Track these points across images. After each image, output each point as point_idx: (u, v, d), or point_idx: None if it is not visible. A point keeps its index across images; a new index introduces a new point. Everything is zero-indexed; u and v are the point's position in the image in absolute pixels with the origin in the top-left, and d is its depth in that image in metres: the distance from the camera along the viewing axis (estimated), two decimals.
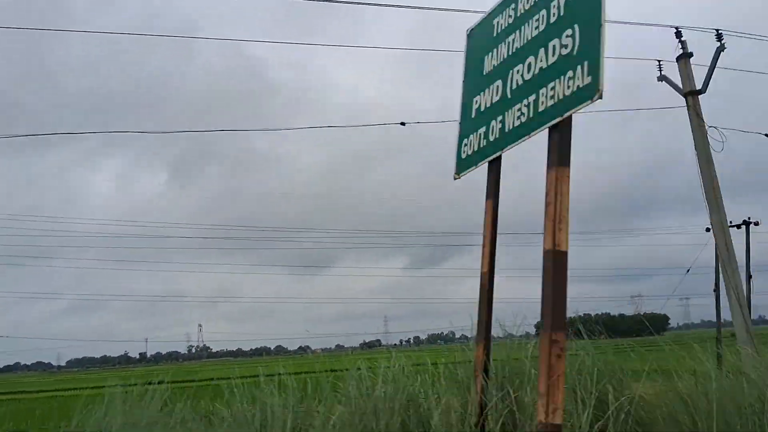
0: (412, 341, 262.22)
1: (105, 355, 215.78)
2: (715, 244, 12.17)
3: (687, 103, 9.77)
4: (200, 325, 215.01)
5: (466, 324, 6.67)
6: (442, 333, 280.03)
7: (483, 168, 5.59)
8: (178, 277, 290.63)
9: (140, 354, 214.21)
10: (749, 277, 31.45)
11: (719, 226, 11.14)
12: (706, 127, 9.13)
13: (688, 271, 31.77)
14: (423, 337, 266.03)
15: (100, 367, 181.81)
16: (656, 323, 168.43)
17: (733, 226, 31.40)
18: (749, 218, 31.37)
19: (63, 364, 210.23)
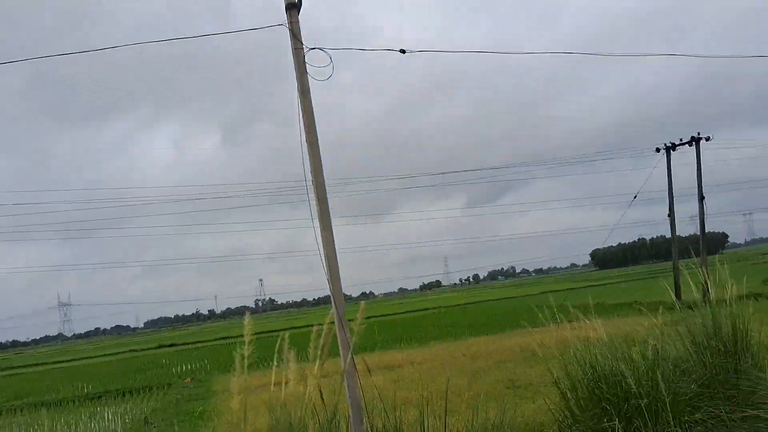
0: (471, 279, 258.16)
1: (177, 315, 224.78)
2: None
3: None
4: (260, 280, 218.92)
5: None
6: (502, 269, 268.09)
7: None
8: (241, 235, 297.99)
9: (209, 311, 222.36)
10: (701, 198, 24.56)
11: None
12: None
13: (635, 197, 25.65)
14: (482, 275, 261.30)
15: (172, 326, 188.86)
16: (715, 242, 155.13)
17: (682, 144, 24.69)
18: (698, 134, 24.38)
19: (141, 325, 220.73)
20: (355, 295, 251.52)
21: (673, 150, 26.26)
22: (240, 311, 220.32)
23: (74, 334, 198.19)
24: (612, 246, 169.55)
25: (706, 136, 25.27)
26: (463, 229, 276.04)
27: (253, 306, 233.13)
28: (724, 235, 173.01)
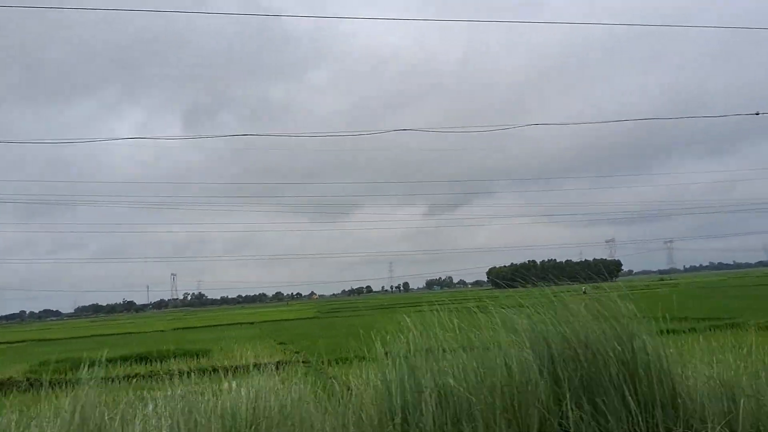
0: (402, 288, 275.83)
1: (109, 303, 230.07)
2: None
3: None
4: (173, 275, 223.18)
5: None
6: (439, 278, 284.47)
7: None
8: (193, 227, 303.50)
9: (126, 302, 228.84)
10: None
11: None
12: None
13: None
14: (419, 285, 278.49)
15: (96, 315, 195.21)
16: (609, 269, 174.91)
17: None
18: None
19: (72, 311, 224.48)
20: (305, 293, 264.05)
21: None
22: (159, 304, 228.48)
23: None
24: (505, 265, 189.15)
25: None
26: (414, 238, 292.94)
27: (181, 298, 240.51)
28: (618, 263, 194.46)
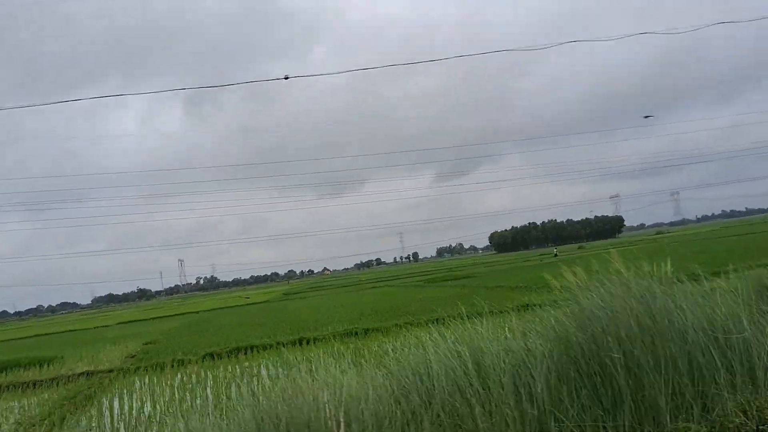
0: (411, 258, 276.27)
1: (125, 293, 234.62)
2: None
3: None
4: (181, 260, 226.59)
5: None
6: (450, 246, 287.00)
7: None
8: (203, 211, 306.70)
9: (139, 290, 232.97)
10: None
11: None
12: None
13: None
14: (431, 253, 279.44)
15: (117, 304, 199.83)
16: (611, 226, 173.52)
17: None
18: None
19: (89, 302, 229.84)
20: (317, 270, 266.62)
21: None
22: (171, 291, 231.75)
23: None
24: (506, 230, 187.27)
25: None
26: (423, 207, 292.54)
27: (194, 282, 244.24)
28: (620, 219, 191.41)
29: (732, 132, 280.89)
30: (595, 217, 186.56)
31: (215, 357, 15.80)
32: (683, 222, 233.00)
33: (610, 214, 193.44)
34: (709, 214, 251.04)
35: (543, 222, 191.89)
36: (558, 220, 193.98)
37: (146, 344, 22.03)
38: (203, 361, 15.37)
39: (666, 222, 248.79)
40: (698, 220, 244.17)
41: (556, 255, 69.58)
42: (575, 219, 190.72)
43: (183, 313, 45.88)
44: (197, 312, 44.26)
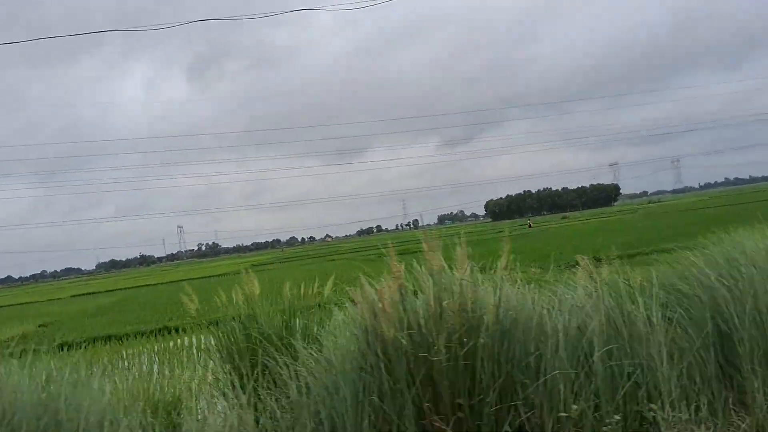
0: (411, 224, 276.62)
1: (128, 258, 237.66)
2: None
3: None
4: (180, 227, 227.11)
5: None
6: (451, 213, 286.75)
7: None
8: (207, 178, 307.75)
9: (141, 256, 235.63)
10: None
11: None
12: None
13: None
14: (433, 220, 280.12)
15: (117, 270, 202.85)
16: (607, 194, 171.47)
17: None
18: None
19: (93, 268, 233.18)
20: (319, 236, 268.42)
21: None
22: (173, 257, 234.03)
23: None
24: (501, 198, 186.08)
25: None
26: (425, 173, 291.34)
27: (195, 249, 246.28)
28: (616, 187, 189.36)
29: (738, 98, 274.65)
30: (591, 185, 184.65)
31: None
32: (685, 190, 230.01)
33: (610, 182, 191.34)
34: (712, 182, 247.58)
35: (538, 190, 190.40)
36: (553, 188, 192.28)
37: (41, 326, 21.86)
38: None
39: (668, 190, 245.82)
40: (701, 187, 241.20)
41: (530, 227, 67.93)
42: (571, 187, 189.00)
43: (131, 287, 45.98)
44: (126, 288, 44.45)
